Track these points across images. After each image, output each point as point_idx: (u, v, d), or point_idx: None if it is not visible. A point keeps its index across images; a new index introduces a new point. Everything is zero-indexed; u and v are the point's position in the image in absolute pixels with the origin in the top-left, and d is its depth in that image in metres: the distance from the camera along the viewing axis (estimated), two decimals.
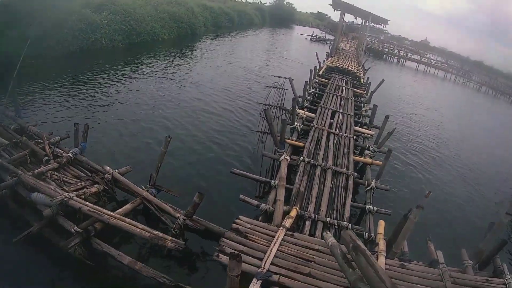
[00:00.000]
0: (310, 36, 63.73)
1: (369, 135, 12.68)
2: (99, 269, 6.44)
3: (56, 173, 8.18)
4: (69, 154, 8.55)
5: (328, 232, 4.82)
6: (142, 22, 29.34)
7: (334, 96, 16.27)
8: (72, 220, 6.63)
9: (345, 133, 11.70)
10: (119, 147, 11.15)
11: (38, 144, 9.10)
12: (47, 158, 8.50)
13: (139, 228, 6.33)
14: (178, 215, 6.79)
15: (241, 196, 7.23)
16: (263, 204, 7.01)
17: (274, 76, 22.99)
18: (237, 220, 6.29)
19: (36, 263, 6.55)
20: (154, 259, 6.76)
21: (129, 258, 5.99)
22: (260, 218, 6.87)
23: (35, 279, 6.23)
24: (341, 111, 14.06)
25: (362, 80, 23.07)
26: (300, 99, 14.44)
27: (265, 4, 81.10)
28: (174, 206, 7.33)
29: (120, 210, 6.96)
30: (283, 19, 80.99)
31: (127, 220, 6.47)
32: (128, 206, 7.18)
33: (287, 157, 8.97)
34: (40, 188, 7.16)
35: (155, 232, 6.25)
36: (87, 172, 8.52)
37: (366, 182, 8.95)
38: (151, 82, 19.19)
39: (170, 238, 6.19)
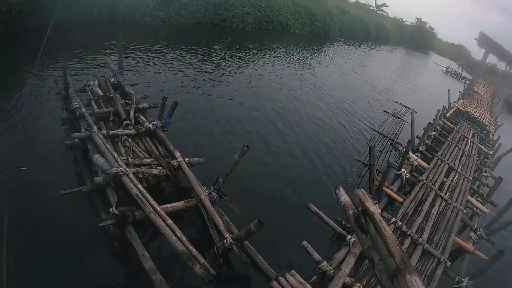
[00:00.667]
0: (445, 68, 57.72)
1: (481, 213, 9.83)
2: (126, 257, 5.89)
3: (130, 140, 7.86)
4: (150, 125, 8.15)
5: (342, 189, 3.84)
6: (276, 10, 29.04)
7: (456, 148, 13.57)
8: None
9: (455, 201, 9.27)
10: (206, 132, 10.50)
11: (126, 105, 8.96)
12: (127, 122, 8.25)
13: (176, 235, 5.52)
14: (227, 235, 5.80)
15: (304, 242, 5.93)
16: (324, 263, 5.63)
17: (396, 102, 20.64)
18: (281, 279, 5.03)
19: (73, 220, 6.34)
20: (183, 272, 5.87)
21: (151, 263, 5.16)
22: (314, 278, 5.56)
23: (65, 236, 6.02)
24: (459, 170, 11.51)
25: (491, 136, 19.45)
26: (417, 141, 12.28)
27: (406, 23, 75.74)
28: (231, 221, 6.37)
29: (169, 205, 6.21)
30: (421, 42, 74.89)
31: (169, 221, 5.71)
32: (179, 204, 6.41)
33: (379, 210, 7.35)
34: (104, 151, 6.85)
35: (190, 247, 5.39)
36: (160, 149, 8.02)
37: (457, 277, 6.75)
38: (271, 71, 18.56)
39: (202, 261, 5.26)
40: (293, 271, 5.28)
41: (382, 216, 7.26)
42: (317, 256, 5.76)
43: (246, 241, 5.75)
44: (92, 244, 6.09)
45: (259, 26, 27.36)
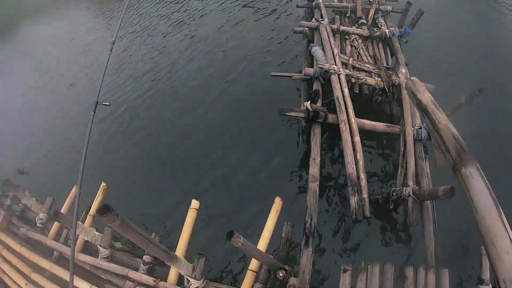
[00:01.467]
0: None
1: None
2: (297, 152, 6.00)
3: (360, 41, 7.20)
4: (387, 31, 7.18)
5: None
6: None
7: None
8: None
9: None
10: (451, 57, 8.08)
11: (368, 3, 8.21)
12: (363, 22, 7.65)
13: (355, 156, 4.86)
14: (411, 183, 4.63)
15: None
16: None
17: None
18: None
19: (273, 100, 6.64)
20: (339, 196, 5.40)
21: (316, 170, 4.76)
22: None
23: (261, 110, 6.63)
24: None
25: None
26: None
27: None
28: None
29: (367, 122, 5.45)
30: None
31: (356, 138, 5.06)
32: (379, 125, 5.49)
33: None
34: (325, 45, 6.55)
35: (362, 176, 4.66)
36: (388, 60, 6.98)
37: None
38: None
39: (364, 196, 4.48)
40: None
41: None
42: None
43: (428, 202, 4.46)
44: (282, 127, 6.38)
45: None
